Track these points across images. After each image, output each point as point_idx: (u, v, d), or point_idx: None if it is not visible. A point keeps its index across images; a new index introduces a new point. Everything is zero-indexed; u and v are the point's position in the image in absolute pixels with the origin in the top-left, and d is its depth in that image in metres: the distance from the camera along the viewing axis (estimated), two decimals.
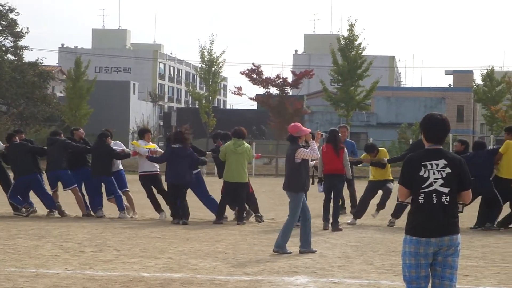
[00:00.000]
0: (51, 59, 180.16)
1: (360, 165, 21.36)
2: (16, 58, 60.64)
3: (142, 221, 16.83)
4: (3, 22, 60.06)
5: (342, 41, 53.21)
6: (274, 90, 50.53)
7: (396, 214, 16.37)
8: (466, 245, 12.83)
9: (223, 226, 15.97)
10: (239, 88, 50.75)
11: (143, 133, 18.26)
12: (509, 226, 16.20)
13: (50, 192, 17.78)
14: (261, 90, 51.55)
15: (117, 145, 18.03)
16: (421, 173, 6.23)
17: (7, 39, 60.66)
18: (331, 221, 15.45)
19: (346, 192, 17.60)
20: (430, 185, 6.21)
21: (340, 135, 16.28)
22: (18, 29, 60.45)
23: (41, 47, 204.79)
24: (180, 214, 16.34)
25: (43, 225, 15.74)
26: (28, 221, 16.43)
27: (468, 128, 69.51)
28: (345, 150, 15.92)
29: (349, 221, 16.72)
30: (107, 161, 17.47)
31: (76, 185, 17.63)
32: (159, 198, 17.52)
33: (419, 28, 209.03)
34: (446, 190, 6.20)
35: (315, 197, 19.95)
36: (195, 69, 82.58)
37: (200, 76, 60.09)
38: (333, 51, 53.52)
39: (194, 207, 18.33)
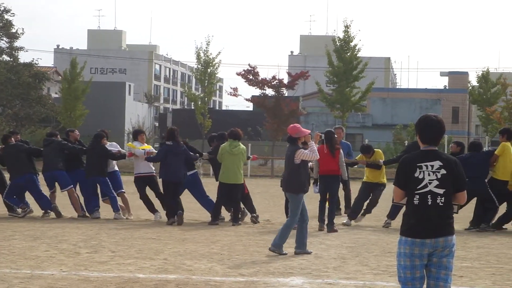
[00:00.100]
0: (46, 60, 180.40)
1: (356, 166, 21.39)
2: (11, 59, 60.52)
3: (137, 222, 16.82)
4: None
5: (337, 42, 53.26)
6: (269, 91, 50.54)
7: (392, 215, 16.41)
8: (461, 246, 12.86)
9: (218, 227, 15.96)
10: (235, 89, 50.77)
11: (136, 134, 18.28)
12: (503, 227, 16.23)
13: (48, 193, 17.80)
14: (256, 91, 51.58)
15: (112, 146, 18.03)
16: (416, 174, 6.24)
17: (2, 40, 60.52)
18: (326, 222, 15.46)
19: (341, 193, 17.62)
20: (425, 186, 6.21)
21: (335, 136, 16.30)
22: (14, 30, 60.34)
23: (37, 48, 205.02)
24: (175, 210, 16.31)
25: (38, 226, 15.72)
26: (23, 222, 16.41)
27: (463, 130, 69.62)
28: (341, 151, 15.95)
29: (344, 221, 16.76)
30: (102, 162, 17.47)
31: (72, 186, 17.63)
32: (153, 199, 17.50)
33: (415, 29, 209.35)
34: (441, 191, 6.21)
35: (310, 198, 19.87)
36: (191, 70, 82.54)
37: (196, 77, 60.00)
38: (328, 52, 53.55)
39: (189, 208, 18.33)
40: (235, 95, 50.71)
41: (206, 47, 56.20)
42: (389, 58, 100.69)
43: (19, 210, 17.70)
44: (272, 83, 50.28)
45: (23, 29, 61.60)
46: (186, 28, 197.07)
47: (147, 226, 15.94)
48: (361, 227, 16.31)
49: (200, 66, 56.78)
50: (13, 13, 60.32)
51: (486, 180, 16.17)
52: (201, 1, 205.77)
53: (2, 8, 60.02)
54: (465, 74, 73.77)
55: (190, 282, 9.50)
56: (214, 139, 17.62)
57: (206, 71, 56.69)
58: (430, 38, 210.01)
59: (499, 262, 11.67)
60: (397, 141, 54.02)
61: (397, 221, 16.21)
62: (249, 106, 71.95)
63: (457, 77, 73.04)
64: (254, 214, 16.84)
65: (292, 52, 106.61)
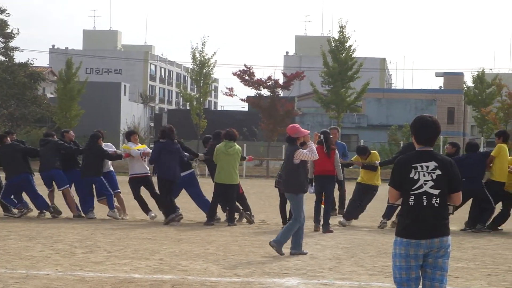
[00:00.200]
0: (42, 60, 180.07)
1: (351, 167, 21.40)
2: (7, 59, 60.38)
3: (133, 223, 16.82)
4: None
5: (333, 43, 53.26)
6: (265, 92, 50.54)
7: (387, 215, 16.43)
8: (456, 246, 12.87)
9: (214, 227, 15.96)
10: (231, 89, 50.73)
11: (129, 135, 18.28)
12: (499, 228, 16.26)
13: (46, 192, 17.83)
14: (252, 92, 51.60)
15: (108, 147, 18.04)
16: (411, 175, 6.24)
17: None
18: (322, 222, 15.46)
19: (336, 194, 17.62)
20: (420, 187, 6.22)
21: (331, 136, 16.32)
22: (9, 30, 60.17)
23: (32, 48, 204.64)
24: (172, 208, 16.33)
25: (34, 226, 15.71)
26: (18, 222, 16.40)
27: (459, 130, 69.71)
28: (336, 151, 15.95)
29: (340, 220, 16.78)
30: (98, 162, 17.49)
31: (68, 185, 17.64)
32: (148, 199, 17.50)
33: (410, 30, 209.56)
34: (436, 192, 6.21)
35: (306, 199, 19.89)
36: (186, 71, 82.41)
37: (191, 77, 59.96)
38: (324, 53, 53.55)
39: (185, 208, 18.33)
40: (230, 95, 50.69)
41: (202, 48, 56.23)
42: (384, 58, 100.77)
43: (15, 210, 17.70)
44: (268, 83, 50.28)
45: (18, 29, 61.48)
46: (181, 28, 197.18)
47: (143, 227, 15.94)
48: (357, 228, 16.33)
49: (195, 66, 56.76)
50: (8, 13, 60.20)
51: (483, 181, 16.22)
52: (196, 1, 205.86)
53: None
54: (461, 74, 73.83)
55: (186, 283, 9.50)
56: (209, 139, 17.63)
57: (201, 72, 56.67)
58: (426, 39, 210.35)
59: (495, 263, 11.69)
60: (392, 141, 54.06)
61: (392, 222, 16.25)
62: (245, 107, 71.97)
63: (453, 78, 73.12)
64: (249, 212, 16.87)
65: (287, 52, 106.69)
